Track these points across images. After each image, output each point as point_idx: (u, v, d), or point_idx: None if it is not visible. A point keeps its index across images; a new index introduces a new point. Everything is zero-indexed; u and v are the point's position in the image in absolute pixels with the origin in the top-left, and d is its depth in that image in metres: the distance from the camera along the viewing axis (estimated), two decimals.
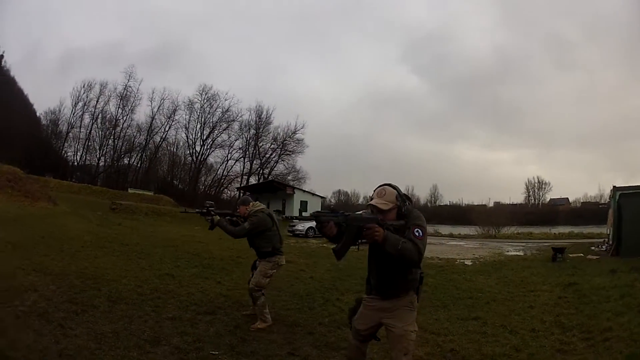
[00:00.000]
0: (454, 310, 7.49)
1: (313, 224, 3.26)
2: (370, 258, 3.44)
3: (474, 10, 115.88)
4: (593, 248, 18.21)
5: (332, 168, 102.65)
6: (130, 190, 53.59)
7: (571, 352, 5.26)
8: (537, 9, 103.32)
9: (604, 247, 17.63)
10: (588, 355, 5.09)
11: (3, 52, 65.99)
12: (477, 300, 8.32)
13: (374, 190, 3.34)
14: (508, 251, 19.68)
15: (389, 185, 3.31)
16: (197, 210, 6.40)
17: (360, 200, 78.92)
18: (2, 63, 65.97)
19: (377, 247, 3.07)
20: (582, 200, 73.14)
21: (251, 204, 6.17)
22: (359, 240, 3.14)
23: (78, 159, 67.12)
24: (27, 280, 6.57)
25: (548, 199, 77.22)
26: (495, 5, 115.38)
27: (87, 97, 65.78)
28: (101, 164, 68.32)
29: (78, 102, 65.64)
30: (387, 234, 2.95)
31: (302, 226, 25.96)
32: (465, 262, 14.72)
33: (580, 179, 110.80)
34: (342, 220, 3.09)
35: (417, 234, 3.09)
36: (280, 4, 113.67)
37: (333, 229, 3.09)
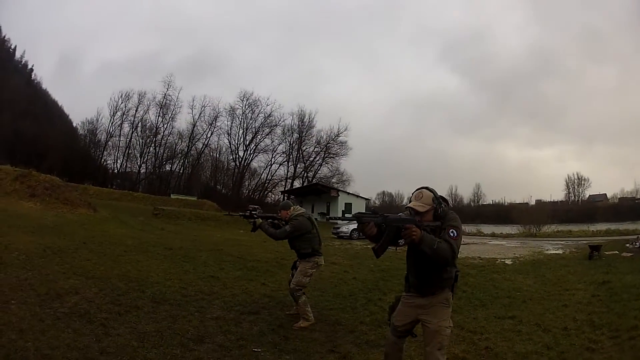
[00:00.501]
0: (492, 309, 7.53)
1: (357, 225, 3.49)
2: (409, 257, 3.65)
3: (508, 7, 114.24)
4: (628, 245, 17.67)
5: (376, 170, 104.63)
6: (172, 196, 54.22)
7: (599, 350, 5.29)
8: (569, 2, 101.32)
9: (637, 244, 17.16)
10: (614, 354, 5.13)
11: (32, 66, 68.31)
12: (515, 299, 8.30)
13: (412, 193, 3.56)
14: (548, 250, 19.17)
15: (426, 188, 3.53)
16: (240, 213, 6.71)
17: (404, 201, 78.40)
18: (32, 76, 68.24)
19: (415, 246, 3.26)
20: (619, 196, 71.26)
21: (292, 208, 6.44)
22: (398, 241, 3.36)
23: (118, 167, 68.51)
24: (68, 283, 6.74)
25: (587, 196, 75.53)
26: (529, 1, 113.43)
27: (125, 106, 67.10)
28: (142, 170, 69.61)
29: (116, 112, 67.00)
30: (423, 234, 3.17)
31: (347, 228, 25.81)
32: (506, 262, 14.51)
33: (618, 174, 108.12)
34: (382, 221, 3.30)
35: (451, 234, 3.30)
36: (316, 11, 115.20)
37: (373, 229, 3.29)
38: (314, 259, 6.27)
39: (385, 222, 3.31)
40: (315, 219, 6.69)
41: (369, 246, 3.34)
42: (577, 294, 8.63)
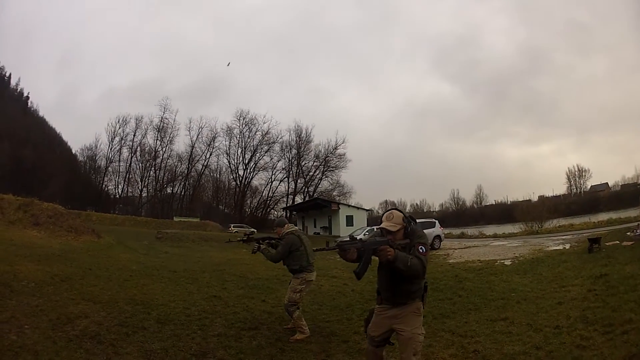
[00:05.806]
0: (485, 312, 7.67)
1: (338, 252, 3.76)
2: (380, 273, 3.94)
3: (494, 11, 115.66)
4: (629, 233, 17.20)
5: (378, 180, 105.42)
6: (175, 219, 54.49)
7: (590, 347, 5.25)
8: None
9: (637, 231, 16.66)
10: (605, 350, 5.07)
11: (28, 94, 68.86)
12: (509, 300, 8.38)
13: (383, 214, 3.89)
14: (548, 246, 18.98)
15: (396, 209, 3.87)
16: (239, 239, 7.13)
17: (407, 208, 78.66)
18: (29, 104, 68.76)
19: (388, 264, 3.55)
20: (621, 183, 71.36)
21: (286, 225, 6.78)
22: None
23: (120, 192, 68.99)
24: (77, 308, 6.84)
25: (589, 187, 75.44)
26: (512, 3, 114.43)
27: (123, 131, 68.06)
28: (144, 194, 69.89)
29: (114, 137, 67.80)
30: (397, 253, 3.48)
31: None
32: (505, 263, 14.55)
33: (617, 161, 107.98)
34: (360, 246, 3.61)
35: (421, 250, 3.62)
36: (313, 31, 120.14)
37: (354, 254, 3.61)
38: (303, 275, 6.56)
39: (363, 246, 3.61)
40: (318, 233, 6.98)
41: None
42: (572, 290, 8.58)
